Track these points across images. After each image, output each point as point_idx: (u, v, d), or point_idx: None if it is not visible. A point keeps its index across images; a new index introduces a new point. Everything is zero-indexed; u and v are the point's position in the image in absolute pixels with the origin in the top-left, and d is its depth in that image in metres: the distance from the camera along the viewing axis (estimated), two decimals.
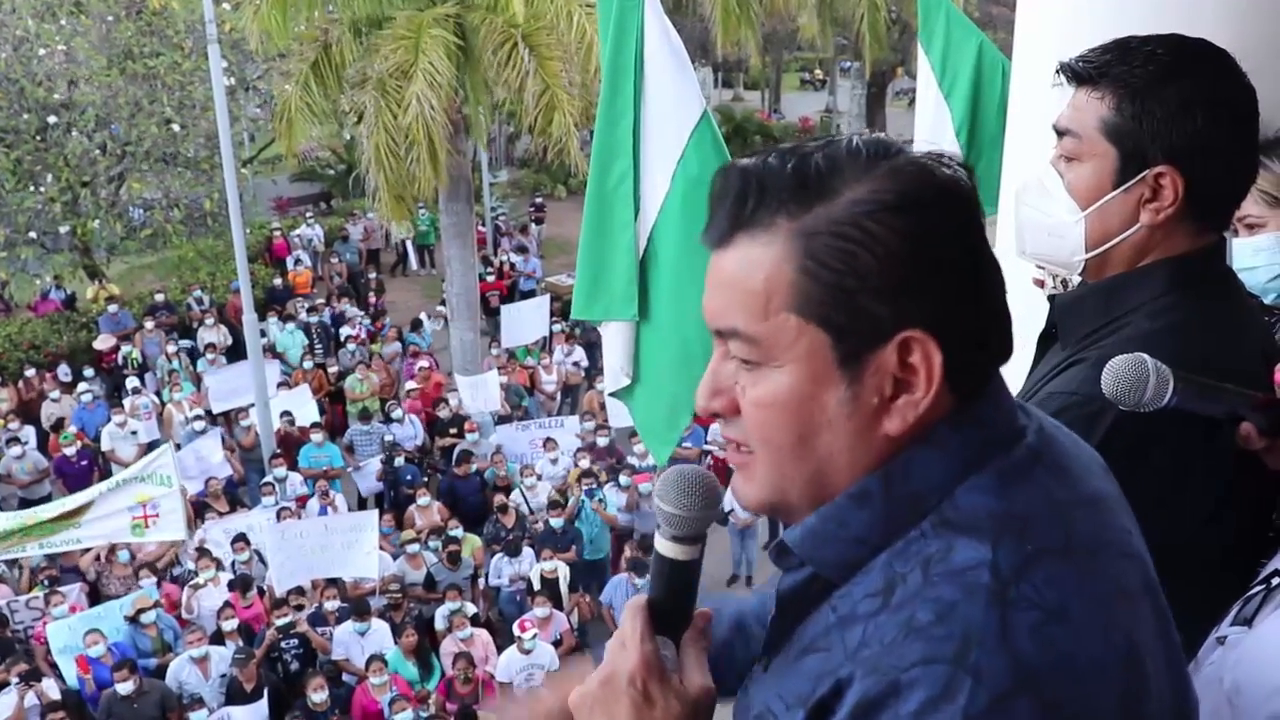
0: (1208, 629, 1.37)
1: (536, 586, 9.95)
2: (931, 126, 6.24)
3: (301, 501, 11.34)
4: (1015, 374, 1.58)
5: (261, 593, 9.87)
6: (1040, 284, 1.87)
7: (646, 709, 1.02)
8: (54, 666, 8.99)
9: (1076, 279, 1.62)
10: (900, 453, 0.93)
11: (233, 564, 10.25)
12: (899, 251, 0.89)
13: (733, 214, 0.95)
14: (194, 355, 15.57)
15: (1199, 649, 1.35)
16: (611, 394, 5.17)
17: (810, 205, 0.92)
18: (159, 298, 16.68)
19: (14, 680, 8.41)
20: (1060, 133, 1.54)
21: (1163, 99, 1.42)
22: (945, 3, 6.12)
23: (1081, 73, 1.49)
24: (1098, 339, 1.47)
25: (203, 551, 10.04)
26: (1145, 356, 1.27)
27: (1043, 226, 1.58)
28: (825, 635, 0.94)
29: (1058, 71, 1.53)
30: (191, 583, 9.83)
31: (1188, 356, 1.31)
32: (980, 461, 0.93)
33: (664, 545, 1.06)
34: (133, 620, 9.34)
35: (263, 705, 8.41)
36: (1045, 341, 1.63)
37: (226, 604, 9.48)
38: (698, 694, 1.04)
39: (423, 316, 16.79)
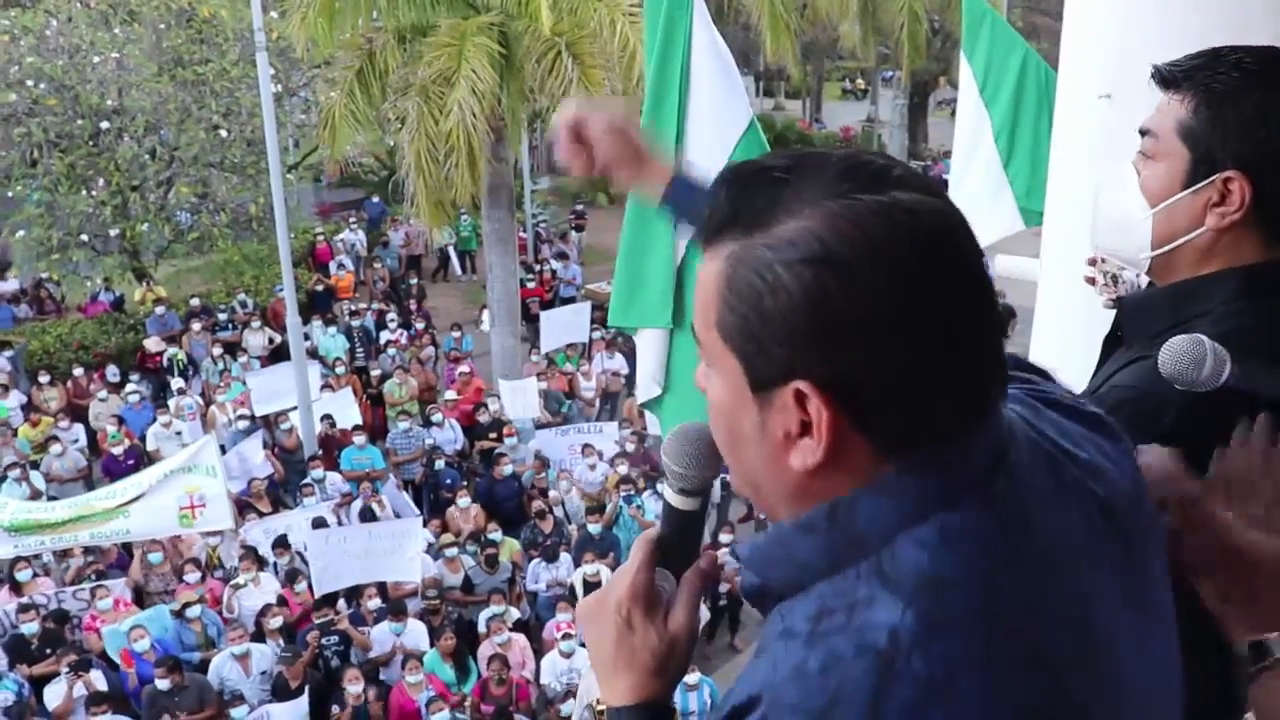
0: None
1: (580, 591, 10.00)
2: (972, 132, 6.27)
3: (346, 500, 11.48)
4: (1079, 375, 1.61)
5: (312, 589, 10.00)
6: (1091, 281, 1.88)
7: (627, 634, 1.12)
8: (103, 656, 9.18)
9: (1131, 275, 1.64)
10: (846, 491, 0.93)
11: (274, 565, 10.40)
12: (801, 306, 0.87)
13: (701, 224, 0.97)
14: (234, 354, 15.77)
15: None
16: (643, 404, 5.18)
17: (746, 233, 0.91)
18: (194, 302, 16.89)
19: (64, 670, 8.60)
20: (1142, 132, 1.56)
21: (1239, 105, 1.44)
22: (990, 12, 6.15)
23: (1167, 76, 1.51)
24: (1163, 341, 1.49)
25: (247, 552, 10.19)
26: (1203, 336, 1.30)
27: (1114, 221, 1.61)
28: (771, 640, 0.95)
29: (1151, 77, 1.55)
30: (233, 582, 9.98)
31: (1254, 360, 1.33)
32: (928, 511, 0.91)
33: (669, 494, 1.17)
34: (178, 615, 9.50)
35: (303, 702, 8.53)
36: (1110, 343, 1.65)
37: (271, 603, 9.62)
38: (678, 631, 1.12)
39: (463, 329, 16.94)
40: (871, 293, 0.86)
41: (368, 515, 11.16)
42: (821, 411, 0.89)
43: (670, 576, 1.15)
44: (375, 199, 23.87)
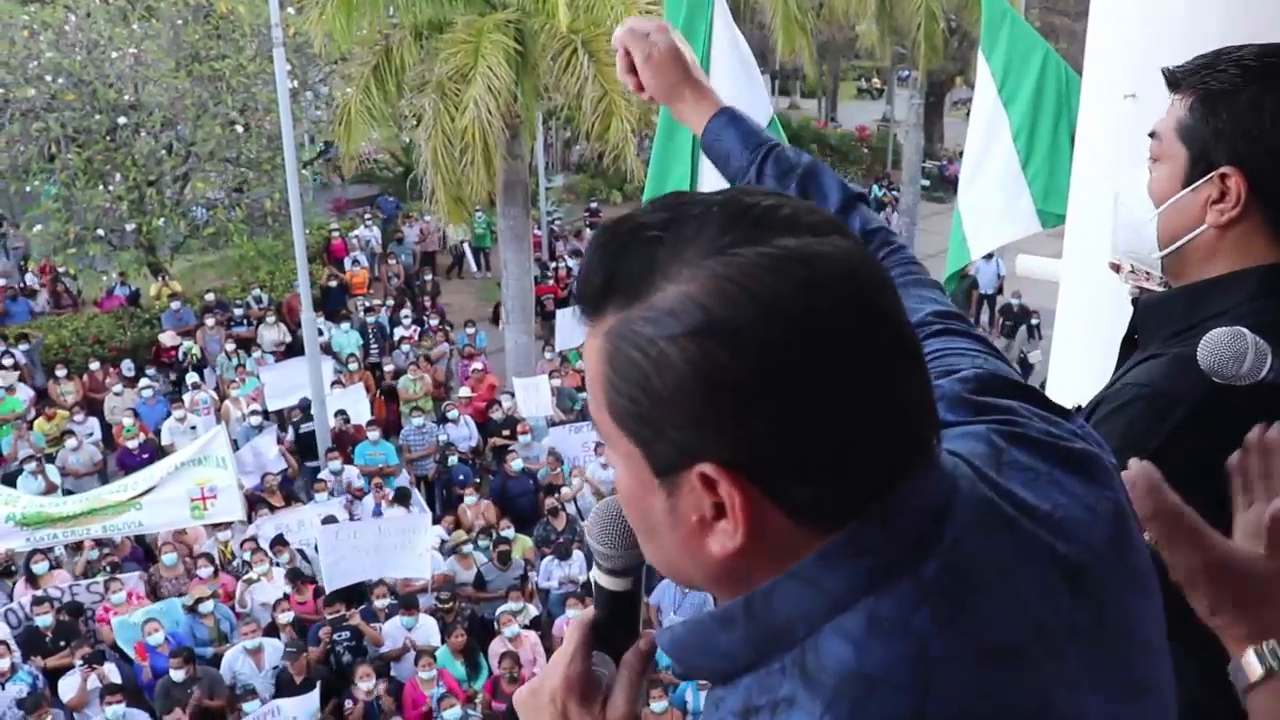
0: None
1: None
2: (985, 133, 6.23)
3: (358, 494, 11.52)
4: (1100, 376, 1.60)
5: (318, 592, 9.99)
6: (1116, 268, 1.88)
7: None
8: (115, 648, 9.23)
9: (1157, 274, 1.63)
10: (764, 577, 0.84)
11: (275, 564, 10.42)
12: (691, 384, 0.77)
13: (576, 290, 0.87)
14: (248, 349, 15.84)
15: None
16: None
17: (624, 304, 0.81)
18: (209, 297, 16.96)
19: (78, 663, 8.64)
20: (1151, 135, 1.56)
21: (1232, 102, 1.43)
22: (1010, 11, 6.12)
23: (1170, 78, 1.52)
24: (1180, 341, 1.47)
25: (257, 547, 10.22)
26: (1244, 330, 1.27)
27: (1129, 224, 1.62)
28: None
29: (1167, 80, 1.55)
30: (245, 577, 10.01)
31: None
32: (854, 598, 0.81)
33: (598, 574, 1.08)
34: (191, 610, 9.54)
35: (313, 697, 8.54)
36: (1128, 346, 1.64)
37: (283, 597, 9.64)
38: None
39: (477, 326, 16.99)
40: (768, 359, 0.76)
41: (403, 498, 11.27)
42: (733, 494, 0.80)
43: (609, 660, 1.07)
44: (390, 197, 23.95)
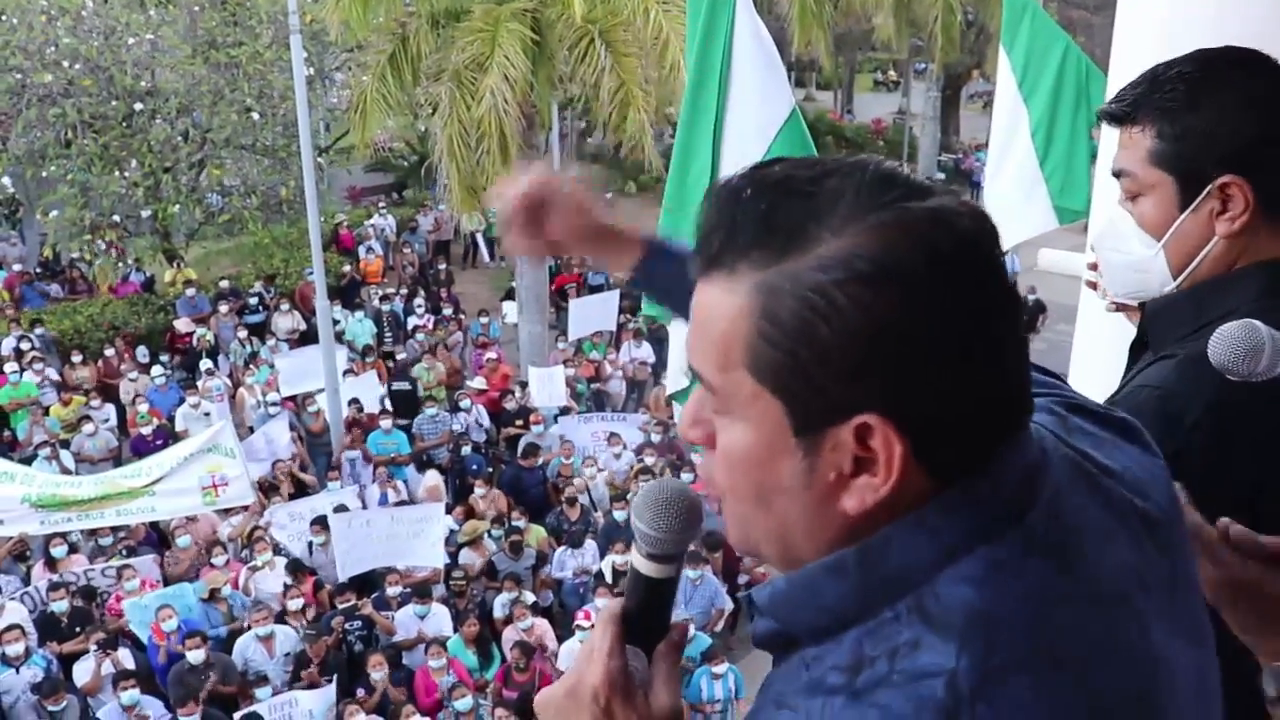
0: None
1: (609, 578, 9.97)
2: (1008, 128, 6.23)
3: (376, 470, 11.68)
4: (1106, 386, 1.60)
5: (319, 586, 9.94)
6: (1094, 286, 1.88)
7: None
8: (127, 634, 9.26)
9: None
10: (880, 529, 0.85)
11: (309, 545, 10.42)
12: (863, 329, 0.79)
13: (703, 248, 0.87)
14: (261, 337, 15.88)
15: None
16: (671, 395, 5.17)
17: (779, 256, 0.82)
18: (224, 284, 16.99)
19: (93, 648, 8.69)
20: (1116, 175, 1.56)
21: (1198, 113, 1.44)
22: (1032, 4, 6.10)
23: (1117, 113, 1.52)
24: (1190, 343, 1.48)
25: (261, 536, 10.24)
26: (1258, 323, 1.26)
27: (1126, 265, 1.60)
28: (796, 694, 0.86)
29: (1100, 119, 1.56)
30: (250, 564, 10.04)
31: None
32: (969, 546, 0.83)
33: (639, 560, 1.03)
34: (208, 600, 9.55)
35: (329, 691, 8.54)
36: (1137, 350, 1.64)
37: (289, 583, 9.67)
38: (662, 714, 1.01)
39: (490, 315, 17.03)
40: (935, 309, 0.79)
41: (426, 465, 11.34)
42: (893, 445, 0.81)
43: (640, 654, 1.02)
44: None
